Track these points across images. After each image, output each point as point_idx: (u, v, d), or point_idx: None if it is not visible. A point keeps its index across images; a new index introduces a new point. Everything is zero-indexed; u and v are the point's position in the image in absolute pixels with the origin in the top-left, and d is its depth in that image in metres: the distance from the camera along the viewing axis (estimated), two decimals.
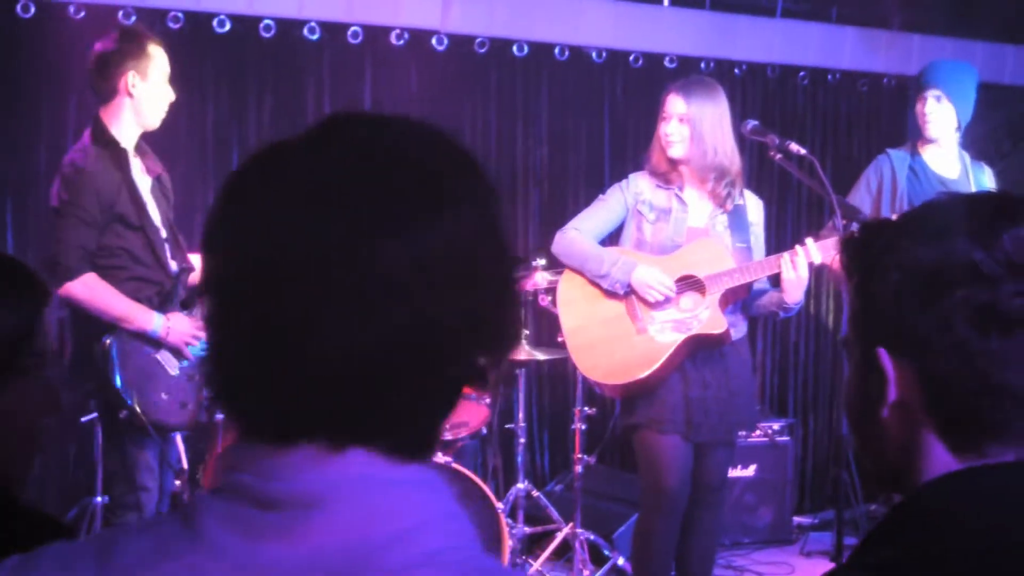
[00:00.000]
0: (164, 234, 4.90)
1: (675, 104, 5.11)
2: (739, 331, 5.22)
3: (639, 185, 5.26)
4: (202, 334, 4.72)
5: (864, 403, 1.61)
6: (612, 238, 5.42)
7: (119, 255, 4.77)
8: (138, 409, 4.61)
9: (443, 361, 1.21)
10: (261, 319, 1.17)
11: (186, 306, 4.86)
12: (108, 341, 4.63)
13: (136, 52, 4.78)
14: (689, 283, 5.11)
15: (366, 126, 1.27)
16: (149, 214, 4.84)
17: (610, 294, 5.18)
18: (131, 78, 4.77)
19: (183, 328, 4.79)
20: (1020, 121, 8.63)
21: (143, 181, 4.89)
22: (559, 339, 5.39)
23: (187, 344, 4.79)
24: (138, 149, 4.93)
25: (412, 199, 1.19)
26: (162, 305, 4.80)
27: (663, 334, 5.08)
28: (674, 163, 5.16)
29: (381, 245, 1.15)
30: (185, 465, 4.96)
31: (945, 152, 5.69)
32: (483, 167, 1.28)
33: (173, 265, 4.89)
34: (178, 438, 4.95)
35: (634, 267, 5.09)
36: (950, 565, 1.46)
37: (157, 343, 4.76)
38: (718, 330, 5.05)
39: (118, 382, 4.62)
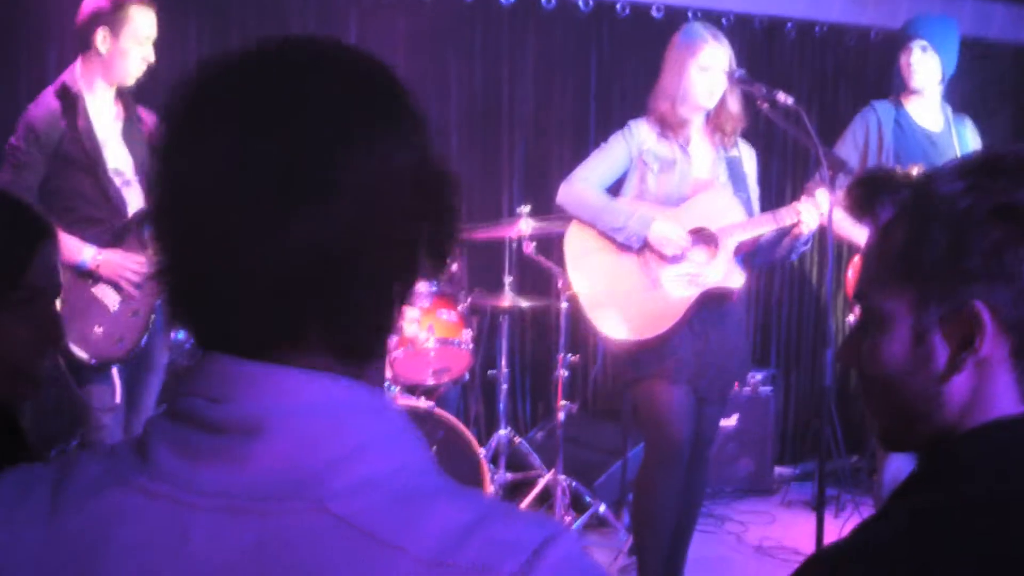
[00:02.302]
0: (129, 176, 4.95)
1: (720, 57, 4.99)
2: (743, 280, 5.15)
3: (642, 134, 5.11)
4: (143, 268, 4.84)
5: (918, 358, 1.60)
6: (612, 189, 5.22)
7: (69, 196, 4.85)
8: (68, 342, 4.69)
9: (378, 266, 1.23)
10: (196, 232, 1.20)
11: (119, 238, 4.90)
12: None
13: (111, 11, 4.83)
14: (701, 236, 5.02)
15: (303, 48, 1.29)
16: (104, 156, 4.89)
17: (621, 247, 5.05)
18: (101, 35, 4.85)
19: (116, 261, 4.84)
20: (1007, 77, 8.64)
21: (111, 126, 4.97)
22: (567, 293, 5.26)
23: (124, 278, 4.84)
24: (119, 95, 5.01)
25: (362, 120, 1.23)
26: (113, 243, 4.86)
27: (678, 289, 4.98)
28: (689, 114, 5.06)
29: (310, 156, 1.18)
30: (118, 400, 4.93)
31: (929, 105, 5.70)
32: (405, 90, 1.32)
33: (133, 207, 4.93)
34: (114, 372, 4.92)
35: (652, 220, 4.96)
36: (1009, 509, 1.47)
37: (92, 276, 4.83)
38: (736, 284, 5.01)
39: None
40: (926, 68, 5.63)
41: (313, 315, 1.21)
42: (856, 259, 5.61)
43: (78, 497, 1.21)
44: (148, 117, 5.08)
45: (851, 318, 5.46)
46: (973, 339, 1.56)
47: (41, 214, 2.22)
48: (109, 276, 4.83)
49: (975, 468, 1.54)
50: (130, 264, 4.84)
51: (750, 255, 5.15)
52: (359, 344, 1.25)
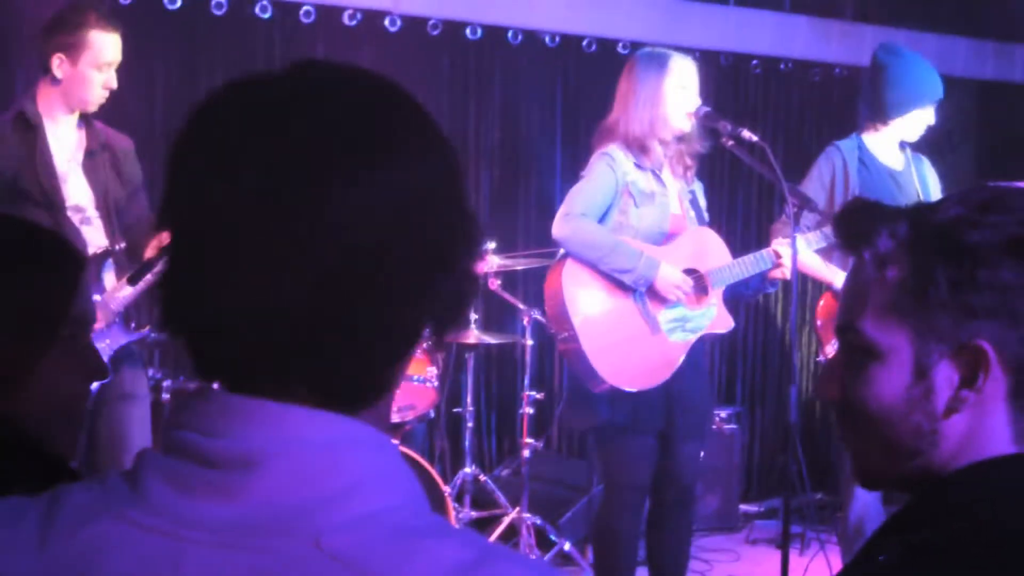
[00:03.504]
0: (89, 213, 4.77)
1: (693, 74, 4.94)
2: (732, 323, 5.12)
3: (624, 163, 4.90)
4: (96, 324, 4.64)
5: (917, 394, 1.57)
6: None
7: None
8: None
9: (385, 309, 1.20)
10: (202, 261, 1.18)
11: (133, 281, 4.72)
12: None
13: (68, 36, 4.64)
14: (693, 277, 4.94)
15: (326, 75, 1.27)
16: (61, 192, 4.70)
17: (619, 288, 4.87)
18: (57, 61, 4.65)
19: None
20: (970, 112, 8.69)
21: (72, 157, 4.78)
22: (561, 334, 4.95)
23: None
24: (83, 122, 4.83)
25: (362, 148, 1.19)
26: None
27: (675, 334, 4.89)
28: (667, 137, 4.94)
29: (325, 191, 1.16)
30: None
31: (890, 143, 5.70)
32: (435, 122, 1.28)
33: (93, 246, 4.73)
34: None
35: (659, 264, 4.81)
36: (1004, 548, 1.46)
37: None
38: (725, 329, 4.98)
39: None
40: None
41: (313, 354, 1.18)
42: (825, 297, 5.59)
43: (69, 527, 1.19)
44: (118, 141, 4.93)
45: (830, 349, 5.44)
46: (976, 377, 1.53)
47: (73, 244, 2.20)
48: None
49: (970, 507, 1.52)
50: None
51: (731, 294, 5.11)
52: (357, 389, 1.23)
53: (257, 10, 6.62)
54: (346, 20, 6.86)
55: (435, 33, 7.12)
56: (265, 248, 1.15)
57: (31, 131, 4.68)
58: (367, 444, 1.20)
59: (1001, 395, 1.54)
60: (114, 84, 4.75)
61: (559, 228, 4.90)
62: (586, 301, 4.91)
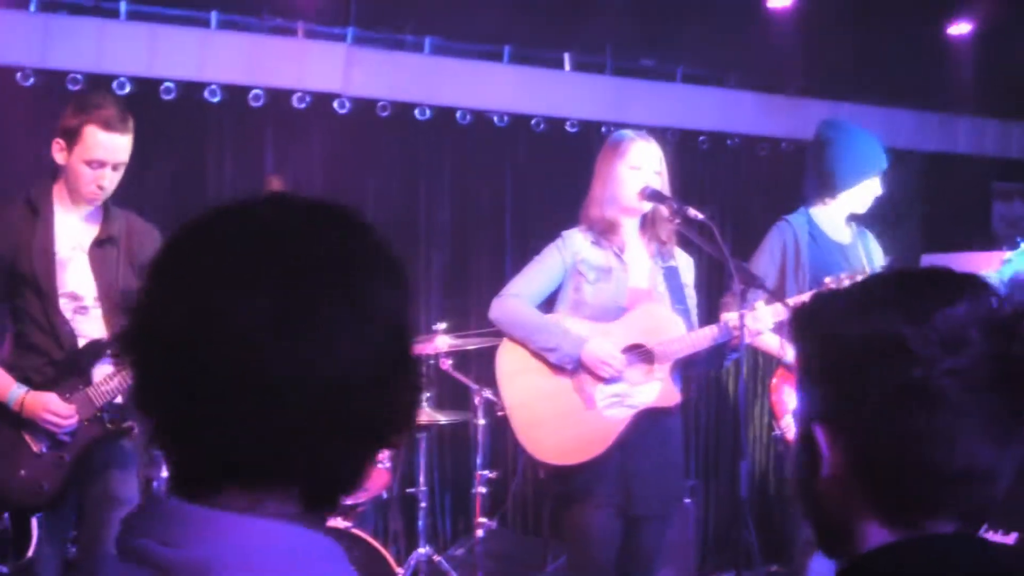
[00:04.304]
0: (87, 303, 4.69)
1: (650, 155, 5.00)
2: (679, 397, 5.05)
3: (576, 243, 5.00)
4: (65, 421, 4.53)
5: (804, 474, 1.62)
6: (549, 300, 5.12)
7: (24, 319, 4.63)
8: None
9: (348, 423, 1.25)
10: (175, 373, 1.23)
11: (62, 374, 4.62)
12: None
13: (68, 126, 4.60)
14: (638, 352, 4.93)
15: (294, 208, 1.33)
16: (55, 278, 4.63)
17: (554, 366, 4.92)
18: (57, 147, 4.61)
19: (38, 405, 4.52)
20: (915, 184, 8.79)
21: (78, 245, 4.71)
22: (499, 413, 5.09)
23: (48, 423, 4.52)
24: (101, 209, 4.75)
25: (343, 277, 1.26)
26: (56, 378, 4.60)
27: (613, 409, 4.87)
28: (620, 217, 5.00)
29: (294, 311, 1.21)
30: (30, 553, 4.57)
31: (838, 217, 5.77)
32: (393, 252, 1.35)
33: (84, 338, 4.65)
34: (33, 523, 4.59)
35: (584, 341, 4.85)
36: None
37: (20, 418, 4.53)
38: (671, 403, 4.94)
39: None
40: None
41: (289, 460, 1.22)
42: (778, 372, 5.60)
43: None
44: (141, 232, 4.83)
45: (785, 424, 5.47)
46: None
47: None
48: (30, 419, 4.52)
49: None
50: (50, 412, 4.52)
51: (687, 367, 5.09)
52: (327, 494, 1.28)
53: (206, 94, 6.63)
54: (295, 103, 6.88)
55: (384, 115, 7.16)
56: (257, 367, 1.20)
57: (35, 215, 4.64)
58: (323, 557, 1.23)
59: (855, 483, 1.60)
60: (106, 183, 4.65)
61: (492, 308, 5.04)
62: (520, 379, 4.97)
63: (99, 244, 4.74)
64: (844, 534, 1.60)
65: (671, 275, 5.11)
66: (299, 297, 1.22)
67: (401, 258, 1.35)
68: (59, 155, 4.62)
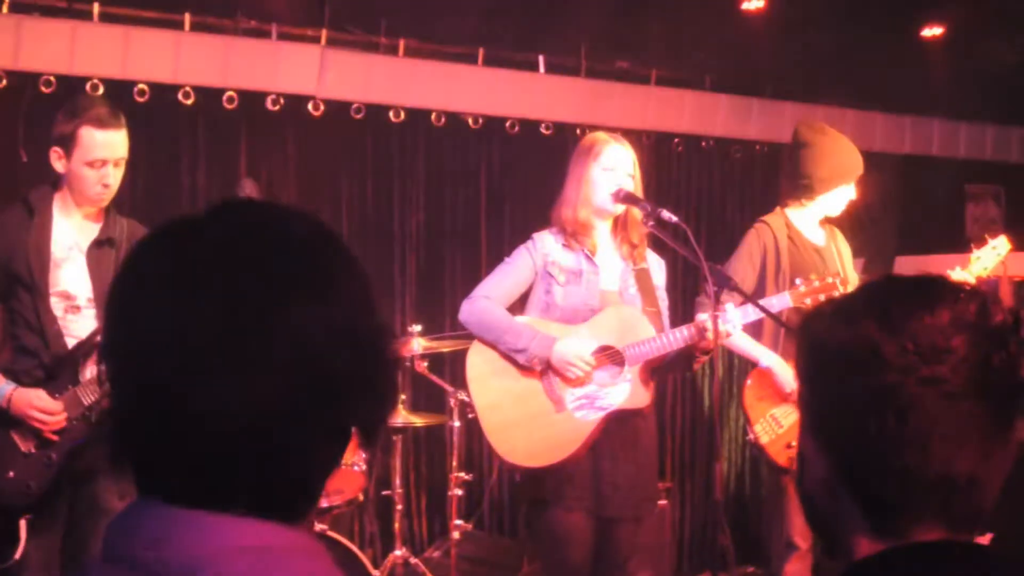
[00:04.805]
0: (80, 302, 4.70)
1: (622, 157, 5.00)
2: (649, 399, 5.04)
3: (547, 245, 5.02)
4: (52, 417, 4.53)
5: (798, 477, 1.66)
6: (520, 301, 5.15)
7: (18, 321, 4.66)
8: None
9: (315, 426, 1.27)
10: (138, 385, 1.25)
11: (52, 374, 4.63)
12: None
13: (62, 133, 4.64)
14: (607, 354, 4.93)
15: (253, 213, 1.35)
16: (48, 277, 4.65)
17: (523, 368, 4.93)
18: (55, 156, 4.65)
19: (24, 401, 4.53)
20: (890, 186, 8.83)
21: (75, 246, 4.73)
22: (470, 415, 5.10)
23: (35, 420, 4.52)
24: (104, 212, 4.79)
25: (294, 283, 1.27)
26: (48, 378, 4.61)
27: (582, 411, 4.88)
28: (592, 219, 5.01)
29: (260, 323, 1.23)
30: (17, 556, 4.56)
31: (814, 219, 5.79)
32: (354, 257, 1.38)
33: (74, 338, 4.66)
34: (21, 524, 4.59)
35: (553, 342, 4.86)
36: None
37: (8, 417, 4.54)
38: (640, 405, 4.93)
39: None
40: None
41: (245, 471, 1.23)
42: (752, 375, 5.60)
43: None
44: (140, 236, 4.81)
45: (760, 429, 5.48)
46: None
47: None
48: (17, 416, 4.52)
49: None
50: (37, 408, 4.52)
51: (657, 369, 5.08)
52: (287, 503, 1.28)
53: (180, 96, 6.60)
54: (269, 105, 6.85)
55: (358, 116, 7.14)
56: (219, 367, 1.21)
57: (31, 216, 4.68)
58: (302, 553, 1.24)
59: (840, 488, 1.63)
60: (111, 181, 4.69)
61: (463, 311, 5.06)
62: (489, 381, 4.98)
63: (98, 245, 4.77)
64: (838, 539, 1.61)
65: (642, 277, 5.11)
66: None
67: (342, 274, 1.35)
68: (58, 163, 4.67)
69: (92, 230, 4.78)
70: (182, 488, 1.23)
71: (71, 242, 4.73)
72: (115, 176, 4.70)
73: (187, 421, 1.22)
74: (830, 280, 5.19)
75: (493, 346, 4.98)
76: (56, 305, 4.67)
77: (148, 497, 1.26)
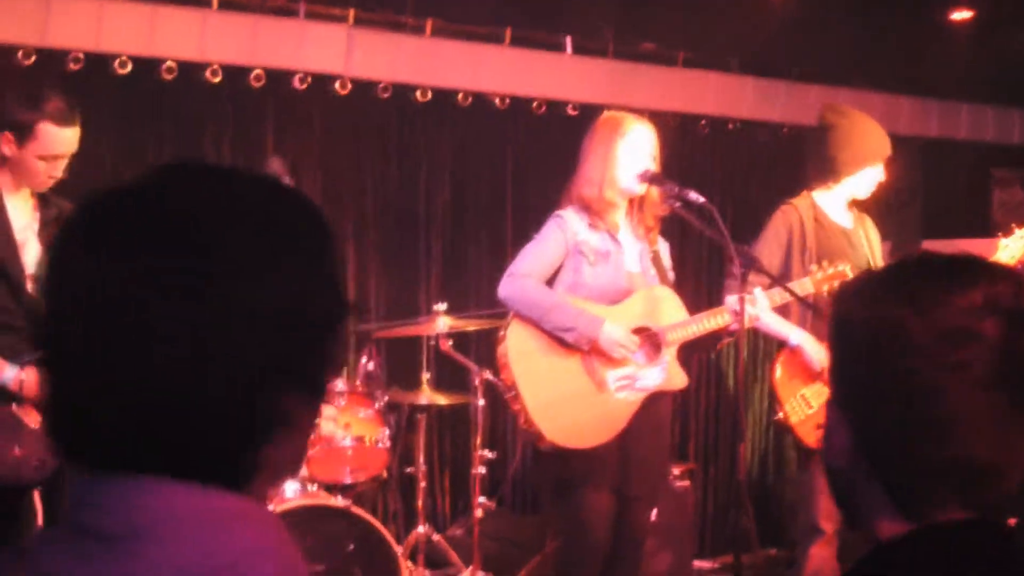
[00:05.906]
0: None
1: (647, 138, 5.01)
2: (686, 380, 5.09)
3: (575, 224, 5.00)
4: None
5: (823, 451, 1.64)
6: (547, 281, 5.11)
7: None
8: None
9: (253, 397, 1.25)
10: (69, 354, 1.25)
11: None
12: None
13: (18, 122, 4.65)
14: (644, 335, 4.94)
15: (202, 178, 1.33)
16: (20, 259, 4.68)
17: (565, 346, 4.91)
18: (4, 139, 4.66)
19: (36, 381, 4.49)
20: (916, 170, 8.80)
21: (29, 227, 4.77)
22: (507, 395, 5.02)
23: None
24: (37, 197, 4.82)
25: (241, 250, 1.26)
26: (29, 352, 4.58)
27: (623, 392, 4.89)
28: (617, 199, 5.01)
29: (196, 293, 1.22)
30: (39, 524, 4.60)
31: (840, 202, 5.77)
32: (319, 217, 1.35)
33: None
34: (35, 496, 4.64)
35: (601, 322, 4.84)
36: None
37: (13, 395, 4.54)
38: (679, 385, 4.95)
39: None
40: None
41: (177, 439, 1.23)
42: (781, 355, 5.56)
43: None
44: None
45: (791, 408, 5.46)
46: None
47: None
48: (31, 396, 4.52)
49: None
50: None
51: (682, 350, 5.09)
52: (235, 468, 1.27)
53: (207, 74, 6.60)
54: (296, 84, 6.85)
55: (385, 96, 7.13)
56: (149, 334, 1.20)
57: None
58: (247, 520, 1.24)
59: (866, 465, 1.62)
60: (58, 174, 4.74)
61: (503, 288, 4.98)
62: (530, 360, 4.93)
63: (45, 226, 4.79)
64: (860, 513, 1.61)
65: (656, 258, 5.14)
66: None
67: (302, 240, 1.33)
68: (6, 148, 4.67)
69: (35, 210, 4.82)
70: (117, 454, 1.23)
71: (24, 222, 4.77)
72: (62, 167, 4.75)
73: (109, 387, 1.21)
74: (841, 268, 5.22)
75: (537, 323, 4.93)
76: (32, 289, 4.68)
77: (92, 468, 1.26)
